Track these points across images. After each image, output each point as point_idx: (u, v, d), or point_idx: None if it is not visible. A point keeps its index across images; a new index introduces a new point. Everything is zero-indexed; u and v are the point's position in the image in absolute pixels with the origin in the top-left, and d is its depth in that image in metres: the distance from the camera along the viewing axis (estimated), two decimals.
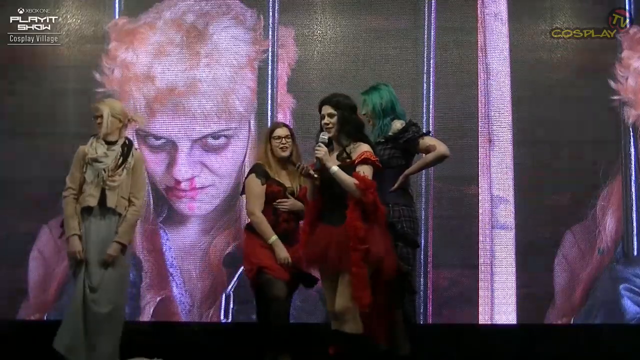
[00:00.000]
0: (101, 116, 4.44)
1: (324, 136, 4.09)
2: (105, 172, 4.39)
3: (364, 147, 4.07)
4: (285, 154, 4.45)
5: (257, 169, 4.47)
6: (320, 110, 4.16)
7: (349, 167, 4.02)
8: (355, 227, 3.93)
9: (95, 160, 4.39)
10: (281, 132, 4.49)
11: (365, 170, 4.01)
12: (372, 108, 4.36)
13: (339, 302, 3.97)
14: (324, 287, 4.19)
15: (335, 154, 4.12)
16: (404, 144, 4.31)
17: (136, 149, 4.60)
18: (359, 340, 3.96)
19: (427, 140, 4.33)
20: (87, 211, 4.38)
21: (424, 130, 4.50)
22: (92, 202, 4.37)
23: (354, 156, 4.07)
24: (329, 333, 4.07)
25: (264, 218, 4.39)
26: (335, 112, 4.11)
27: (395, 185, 4.29)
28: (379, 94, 4.41)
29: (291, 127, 4.63)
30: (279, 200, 4.42)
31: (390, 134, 4.33)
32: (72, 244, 4.37)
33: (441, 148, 4.32)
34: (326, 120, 4.13)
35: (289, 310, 4.44)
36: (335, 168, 4.02)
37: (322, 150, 4.06)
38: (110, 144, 4.45)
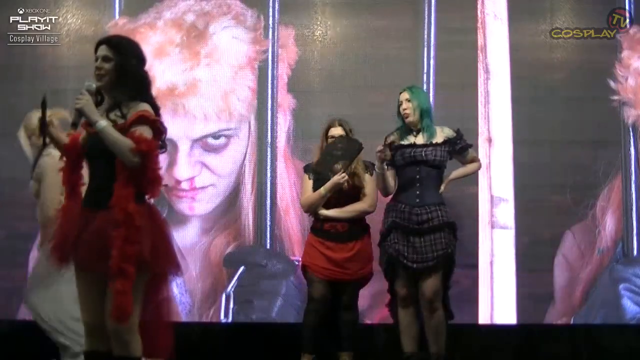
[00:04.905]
0: None
1: (90, 83, 3.22)
2: None
3: (145, 106, 3.19)
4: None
5: (307, 168, 4.66)
6: (95, 51, 3.28)
7: (122, 129, 3.12)
8: (127, 211, 3.06)
9: None
10: (335, 131, 4.61)
11: (144, 132, 3.12)
12: (417, 105, 4.46)
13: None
14: (77, 289, 3.27)
15: (104, 108, 3.23)
16: (460, 150, 4.50)
17: None
18: None
19: (472, 152, 4.59)
20: None
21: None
22: None
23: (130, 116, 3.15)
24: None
25: (308, 195, 4.52)
26: (112, 57, 3.22)
27: (443, 188, 4.45)
28: (425, 95, 4.59)
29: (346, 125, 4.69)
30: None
31: (446, 137, 4.46)
32: None
33: (480, 163, 4.65)
34: (99, 64, 3.22)
35: (321, 310, 4.50)
36: (103, 123, 3.09)
37: (83, 99, 3.14)
38: None
